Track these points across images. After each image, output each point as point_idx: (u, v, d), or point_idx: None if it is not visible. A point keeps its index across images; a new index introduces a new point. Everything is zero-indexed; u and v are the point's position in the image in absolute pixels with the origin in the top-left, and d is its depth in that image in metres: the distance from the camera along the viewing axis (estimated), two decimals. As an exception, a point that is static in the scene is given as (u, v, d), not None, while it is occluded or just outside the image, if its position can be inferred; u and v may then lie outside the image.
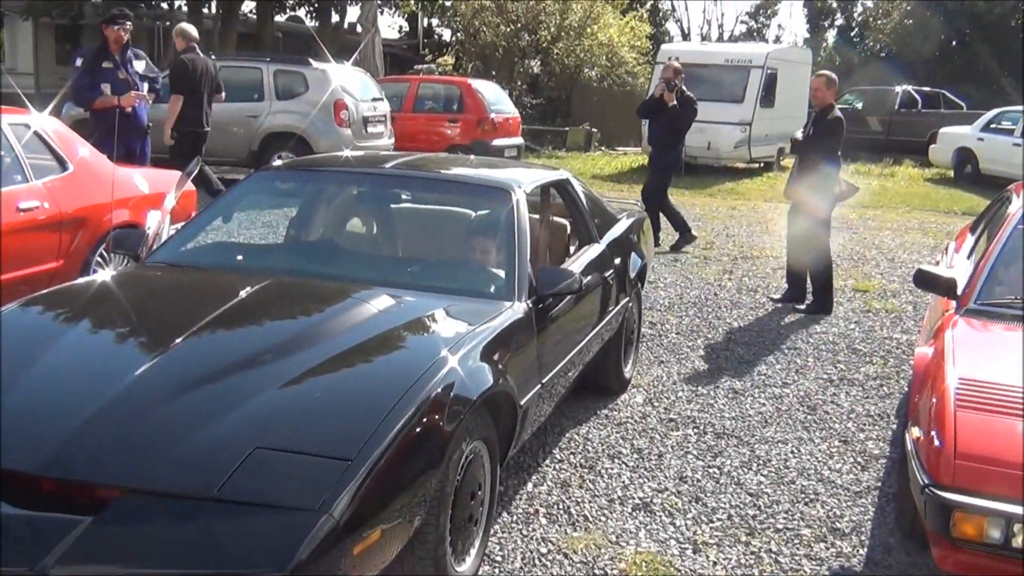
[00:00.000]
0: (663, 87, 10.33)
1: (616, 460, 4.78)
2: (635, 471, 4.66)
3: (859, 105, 24.02)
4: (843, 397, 5.91)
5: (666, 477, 4.61)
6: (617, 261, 5.36)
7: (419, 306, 3.82)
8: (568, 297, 4.32)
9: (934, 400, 3.62)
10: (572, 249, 5.24)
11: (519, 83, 24.54)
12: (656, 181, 10.49)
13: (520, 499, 4.29)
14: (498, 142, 15.67)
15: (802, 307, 7.98)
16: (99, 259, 6.02)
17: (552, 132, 23.89)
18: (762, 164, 19.01)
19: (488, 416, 3.53)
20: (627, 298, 5.48)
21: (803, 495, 4.49)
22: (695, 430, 5.24)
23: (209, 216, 4.69)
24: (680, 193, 15.44)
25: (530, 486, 4.43)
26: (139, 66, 8.29)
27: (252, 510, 2.66)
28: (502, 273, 4.16)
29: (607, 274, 5.12)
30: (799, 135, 7.84)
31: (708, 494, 4.45)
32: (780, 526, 4.17)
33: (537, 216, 5.20)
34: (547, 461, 4.72)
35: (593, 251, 5.13)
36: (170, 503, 2.69)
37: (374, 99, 13.93)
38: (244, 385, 3.14)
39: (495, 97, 16.60)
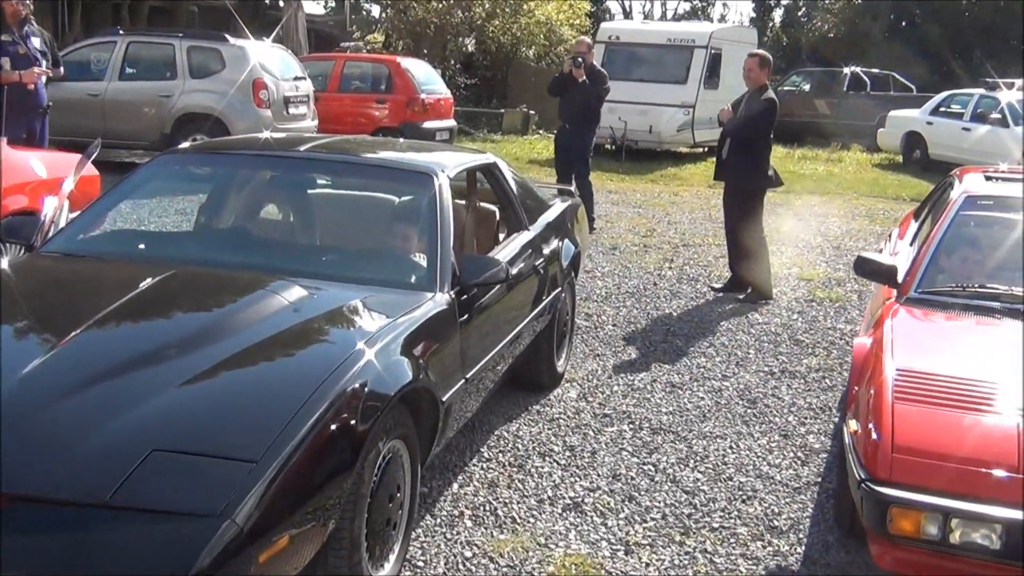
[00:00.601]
0: (571, 63, 10.46)
1: (547, 458, 4.78)
2: (567, 470, 4.67)
3: (806, 87, 24.36)
4: (784, 390, 5.98)
5: (599, 476, 4.63)
6: (549, 249, 5.37)
7: (334, 298, 3.78)
8: (495, 287, 4.31)
9: (872, 392, 3.67)
10: (501, 237, 5.23)
11: (452, 62, 24.47)
12: (582, 164, 10.61)
13: (444, 500, 4.28)
14: (429, 124, 15.61)
15: (742, 296, 8.07)
16: (-8, 249, 5.88)
17: (487, 114, 23.86)
18: (706, 148, 19.16)
19: (407, 413, 3.51)
20: (559, 288, 5.49)
21: (740, 492, 4.54)
22: (631, 426, 5.27)
23: (109, 202, 4.60)
24: (620, 179, 15.53)
25: (456, 487, 4.42)
26: (36, 42, 8.11)
27: (148, 517, 2.61)
28: (423, 262, 4.14)
29: (538, 263, 5.12)
30: (726, 109, 7.88)
31: (642, 493, 4.47)
32: (716, 525, 4.21)
33: (464, 202, 5.19)
34: (474, 460, 4.71)
35: (522, 239, 5.12)
36: (59, 511, 2.63)
37: (296, 78, 13.79)
38: (143, 382, 3.08)
39: (426, 77, 16.53)
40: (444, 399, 3.75)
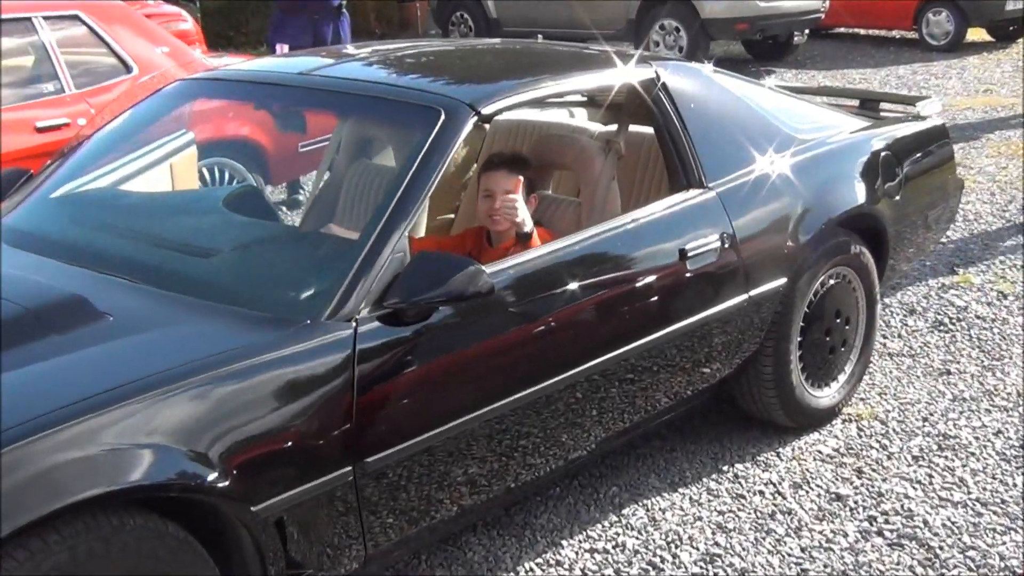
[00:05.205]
0: None
1: (646, 579, 3.23)
2: (656, 609, 3.10)
3: None
4: None
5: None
6: (743, 217, 3.63)
7: (106, 331, 2.64)
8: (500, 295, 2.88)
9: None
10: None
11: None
12: None
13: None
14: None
15: None
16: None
17: None
18: None
19: (153, 541, 2.34)
20: (784, 279, 3.71)
21: None
22: (863, 523, 3.46)
23: (95, 150, 3.80)
24: None
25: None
26: None
27: None
28: (332, 266, 2.85)
29: (702, 244, 3.46)
30: None
31: None
32: None
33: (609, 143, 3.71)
34: (530, 567, 3.32)
35: (672, 203, 3.51)
36: None
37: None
38: None
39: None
40: (260, 507, 2.48)
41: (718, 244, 3.51)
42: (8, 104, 5.11)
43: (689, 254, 3.42)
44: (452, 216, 4.28)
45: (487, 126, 4.34)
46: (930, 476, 3.73)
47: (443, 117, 3.05)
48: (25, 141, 5.08)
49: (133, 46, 5.58)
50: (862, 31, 14.75)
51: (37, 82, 5.26)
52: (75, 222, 3.42)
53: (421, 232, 3.86)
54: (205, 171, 5.49)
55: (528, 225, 3.29)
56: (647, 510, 3.58)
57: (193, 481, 2.35)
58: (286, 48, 6.90)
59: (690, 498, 3.64)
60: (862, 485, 3.69)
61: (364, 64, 3.80)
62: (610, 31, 12.43)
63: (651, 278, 3.35)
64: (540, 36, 5.38)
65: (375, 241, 2.80)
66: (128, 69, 5.52)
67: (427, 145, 2.98)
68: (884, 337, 4.84)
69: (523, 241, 3.27)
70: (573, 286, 3.14)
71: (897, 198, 4.27)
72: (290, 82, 3.51)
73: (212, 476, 2.37)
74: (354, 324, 2.67)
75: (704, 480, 3.75)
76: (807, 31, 12.76)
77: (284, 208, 6.19)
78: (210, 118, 4.96)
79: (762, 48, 12.95)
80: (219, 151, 5.37)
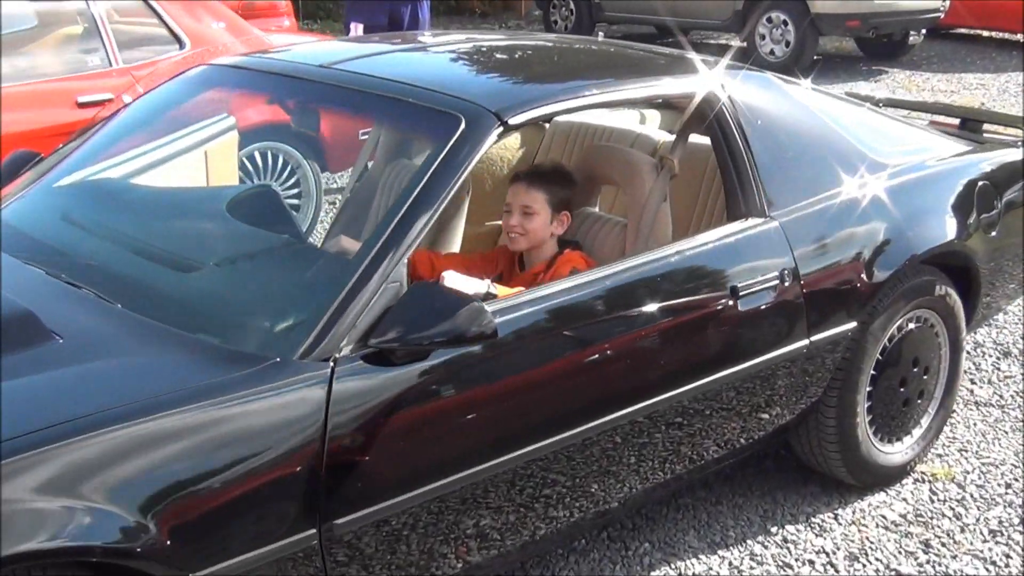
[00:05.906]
0: None
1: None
2: None
3: None
4: None
5: None
6: (814, 251, 3.21)
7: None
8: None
9: None
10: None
11: None
12: None
13: None
14: None
15: None
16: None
17: None
18: None
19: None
20: (852, 323, 3.28)
21: None
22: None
23: (109, 137, 3.49)
24: None
25: None
26: None
27: None
28: (315, 293, 2.51)
29: (753, 282, 3.04)
30: None
31: None
32: None
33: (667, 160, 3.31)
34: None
35: (725, 234, 3.09)
36: None
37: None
38: None
39: None
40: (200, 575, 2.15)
41: (776, 282, 3.09)
42: (49, 76, 4.88)
43: (741, 292, 3.02)
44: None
45: (547, 125, 4.01)
46: (1007, 556, 3.28)
47: (463, 126, 2.70)
48: (64, 116, 4.84)
49: (187, 19, 5.31)
50: (984, 32, 13.99)
51: (82, 54, 5.01)
52: (67, 220, 3.13)
53: (456, 246, 3.50)
54: (257, 154, 5.22)
55: (481, 289, 2.78)
56: (680, 574, 3.18)
57: (117, 544, 2.04)
58: (360, 28, 6.62)
59: (730, 563, 3.24)
60: (928, 562, 3.25)
61: (399, 58, 3.47)
62: (715, 22, 11.97)
63: (695, 317, 2.97)
64: (601, 34, 4.96)
65: (368, 266, 2.45)
66: (180, 44, 5.24)
67: (441, 157, 2.64)
68: (972, 382, 4.37)
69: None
70: (604, 323, 2.80)
71: (993, 233, 3.80)
72: (307, 75, 3.16)
73: (141, 539, 2.06)
74: (332, 364, 2.33)
75: (749, 542, 3.34)
76: (924, 30, 12.07)
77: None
78: (259, 100, 4.66)
79: (875, 46, 12.29)
80: (272, 134, 5.09)
